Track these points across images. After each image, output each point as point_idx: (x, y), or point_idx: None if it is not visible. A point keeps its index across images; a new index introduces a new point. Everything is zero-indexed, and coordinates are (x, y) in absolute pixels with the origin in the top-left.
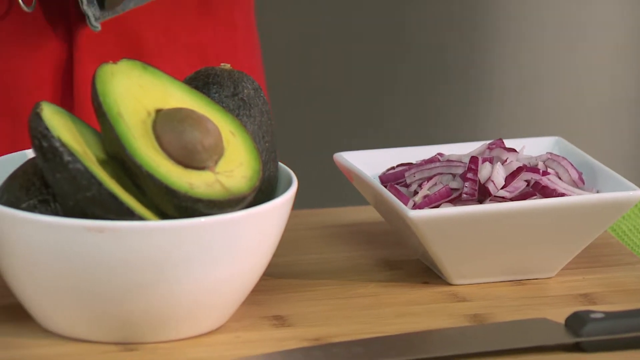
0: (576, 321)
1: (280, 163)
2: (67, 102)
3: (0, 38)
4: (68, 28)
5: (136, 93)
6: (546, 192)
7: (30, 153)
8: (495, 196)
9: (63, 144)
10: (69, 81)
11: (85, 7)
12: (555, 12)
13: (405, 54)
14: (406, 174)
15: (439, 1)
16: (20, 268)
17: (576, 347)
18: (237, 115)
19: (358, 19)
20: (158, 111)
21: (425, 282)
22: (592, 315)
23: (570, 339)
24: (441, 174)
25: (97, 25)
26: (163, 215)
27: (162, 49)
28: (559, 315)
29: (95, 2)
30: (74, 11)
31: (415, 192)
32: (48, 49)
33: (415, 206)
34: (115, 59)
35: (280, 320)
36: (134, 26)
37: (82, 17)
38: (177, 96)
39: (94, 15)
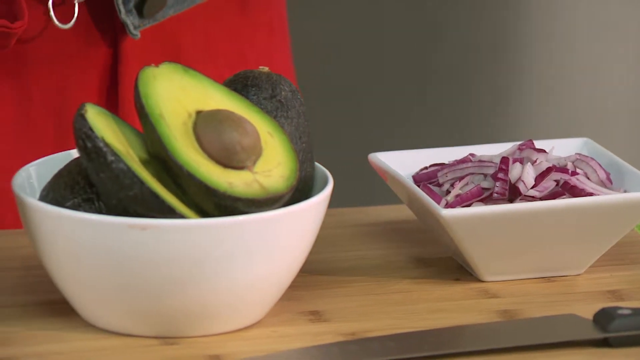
0: (604, 317)
1: (316, 163)
2: (112, 105)
3: (47, 43)
4: (113, 34)
5: (177, 95)
6: (575, 191)
7: (74, 153)
8: (525, 195)
9: (106, 144)
10: (114, 85)
11: (123, 16)
12: (586, 13)
13: (438, 55)
14: (439, 174)
15: (469, 2)
16: (65, 265)
17: (604, 343)
18: (275, 117)
19: (390, 20)
20: (198, 112)
21: (457, 279)
22: (620, 312)
23: (598, 335)
24: (473, 174)
25: (137, 34)
26: (203, 213)
27: (201, 52)
28: (587, 311)
29: (134, 11)
30: (119, 22)
31: (448, 192)
32: (94, 54)
33: (448, 205)
34: (157, 64)
35: (316, 316)
36: (174, 31)
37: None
38: (216, 98)
39: (132, 23)
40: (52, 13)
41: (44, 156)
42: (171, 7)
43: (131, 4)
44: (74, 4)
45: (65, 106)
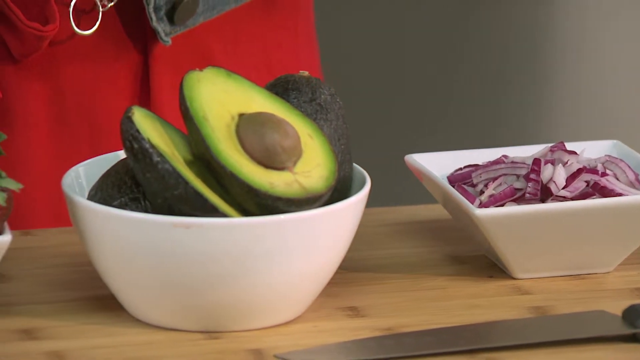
0: (632, 313)
1: (354, 164)
2: (144, 107)
3: (79, 45)
4: (144, 38)
5: (221, 98)
6: (605, 192)
7: (122, 154)
8: (556, 196)
9: (152, 146)
10: (146, 88)
11: (155, 23)
12: (616, 16)
13: (472, 59)
14: (473, 175)
15: (502, 6)
16: (113, 262)
17: (633, 338)
18: (315, 119)
19: (425, 23)
20: (241, 115)
21: (490, 276)
22: None
23: (626, 330)
24: (506, 174)
25: (168, 40)
26: (245, 212)
27: (230, 56)
28: (616, 307)
29: (165, 18)
30: (149, 25)
31: (482, 192)
32: (124, 57)
33: (482, 205)
34: (187, 68)
35: (354, 311)
36: (203, 35)
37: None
38: (258, 101)
39: (164, 30)
40: (72, 20)
41: (77, 156)
42: (201, 14)
43: (162, 12)
44: (99, 12)
45: (98, 107)
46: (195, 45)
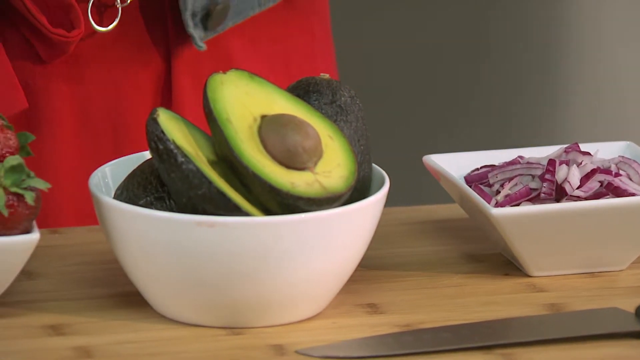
0: None
1: (373, 164)
2: (166, 107)
3: (103, 47)
4: (166, 43)
5: (243, 100)
6: (618, 192)
7: (147, 154)
8: (571, 195)
9: (177, 147)
10: (168, 91)
11: (191, 29)
12: (633, 19)
13: (488, 64)
14: (489, 175)
15: (519, 12)
16: (138, 259)
17: None
18: (335, 121)
19: (441, 28)
20: (263, 117)
21: (506, 274)
22: None
23: (639, 327)
24: (521, 175)
25: (203, 45)
26: (267, 211)
27: (248, 57)
28: (629, 305)
29: (199, 24)
30: (173, 28)
31: (498, 192)
32: (147, 58)
33: (498, 204)
34: (208, 70)
35: (373, 308)
36: (224, 37)
37: (180, 34)
38: (280, 103)
39: (199, 36)
40: (90, 17)
41: (102, 155)
42: (230, 19)
43: (197, 18)
44: (118, 9)
45: (122, 107)
46: (216, 48)
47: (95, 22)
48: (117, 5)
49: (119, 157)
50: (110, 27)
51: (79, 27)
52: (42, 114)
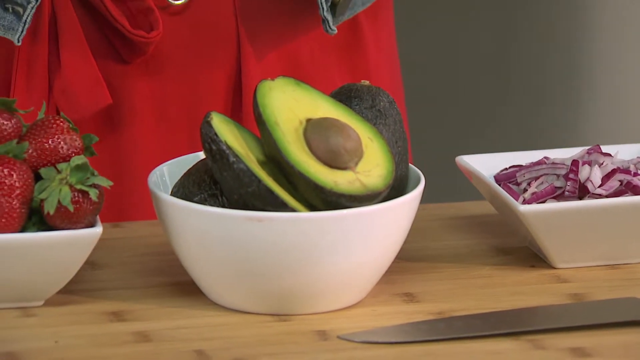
0: None
1: (410, 164)
2: (237, 109)
3: (179, 48)
4: (237, 45)
5: (290, 105)
6: (637, 190)
7: (201, 155)
8: (593, 193)
9: (229, 147)
10: (239, 90)
11: (325, 13)
12: None
13: (515, 71)
14: (517, 174)
15: (540, 25)
16: (193, 251)
17: None
18: (375, 124)
19: (476, 38)
20: (308, 120)
21: (533, 266)
22: None
23: None
24: (547, 174)
25: (334, 29)
26: (311, 207)
27: (316, 61)
28: None
29: (330, 10)
30: (244, 31)
31: (525, 190)
32: (220, 62)
33: (525, 201)
34: (276, 72)
35: (409, 297)
36: (292, 43)
37: (248, 36)
38: (324, 108)
39: (331, 20)
40: None
41: (177, 148)
42: (352, 8)
43: (329, 3)
44: None
45: (197, 104)
46: (284, 51)
47: None
48: None
49: (194, 152)
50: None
51: (157, 28)
52: (122, 111)
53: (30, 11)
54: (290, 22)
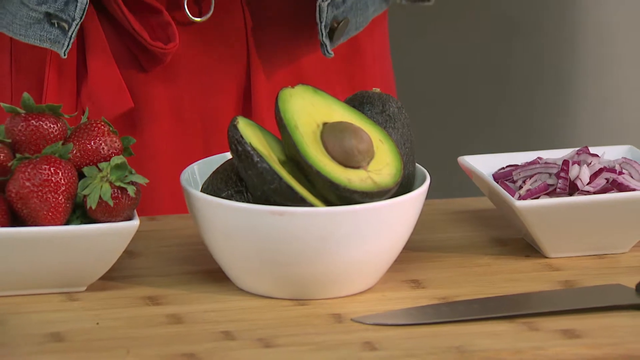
0: None
1: (417, 164)
2: (247, 115)
3: (194, 57)
4: (247, 57)
5: (308, 110)
6: (621, 187)
7: (228, 155)
8: (581, 190)
9: (253, 148)
10: (249, 99)
11: (324, 39)
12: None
13: (510, 80)
14: (513, 173)
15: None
16: (221, 242)
17: None
18: (385, 128)
19: (469, 51)
20: (324, 124)
21: (527, 256)
22: None
23: (639, 301)
24: (540, 173)
25: (331, 53)
26: (327, 202)
27: (318, 74)
28: (631, 281)
29: (328, 36)
30: (253, 45)
31: (520, 187)
32: (231, 73)
33: (520, 197)
34: (281, 79)
35: (416, 283)
36: (297, 55)
37: (257, 50)
38: (339, 112)
39: (329, 45)
40: (186, 8)
41: (193, 149)
42: (347, 34)
43: (327, 30)
44: (211, 2)
45: (210, 109)
46: (290, 62)
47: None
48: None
49: (207, 152)
50: (206, 17)
51: (174, 41)
52: (143, 114)
53: (75, 27)
54: (294, 39)
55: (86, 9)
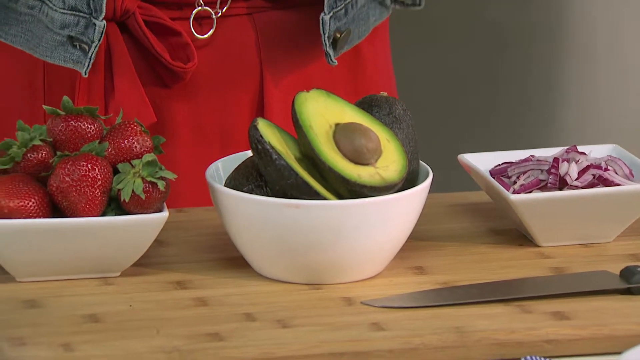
0: (628, 273)
1: (420, 161)
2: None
3: (211, 73)
4: (260, 70)
5: (322, 112)
6: (607, 182)
7: (249, 153)
8: (570, 185)
9: (272, 147)
10: (261, 109)
11: (328, 49)
12: (624, 38)
13: (503, 85)
14: (508, 169)
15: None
16: (243, 232)
17: (627, 292)
18: (391, 128)
19: (463, 57)
20: (337, 124)
21: (521, 245)
22: (639, 269)
23: (623, 285)
24: (533, 169)
25: (335, 61)
26: (339, 196)
27: (325, 79)
28: (616, 268)
29: (331, 46)
30: (265, 60)
31: (515, 182)
32: (245, 85)
33: (515, 192)
34: (292, 93)
35: (420, 270)
36: (305, 67)
37: (269, 64)
38: (349, 114)
39: (333, 54)
40: (192, 27)
41: (210, 156)
42: (349, 43)
43: (331, 40)
44: (214, 20)
45: (227, 120)
46: (299, 72)
47: (197, 32)
48: (213, 17)
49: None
50: (208, 34)
51: (193, 60)
52: (165, 127)
53: (95, 49)
54: (303, 52)
55: (104, 31)
